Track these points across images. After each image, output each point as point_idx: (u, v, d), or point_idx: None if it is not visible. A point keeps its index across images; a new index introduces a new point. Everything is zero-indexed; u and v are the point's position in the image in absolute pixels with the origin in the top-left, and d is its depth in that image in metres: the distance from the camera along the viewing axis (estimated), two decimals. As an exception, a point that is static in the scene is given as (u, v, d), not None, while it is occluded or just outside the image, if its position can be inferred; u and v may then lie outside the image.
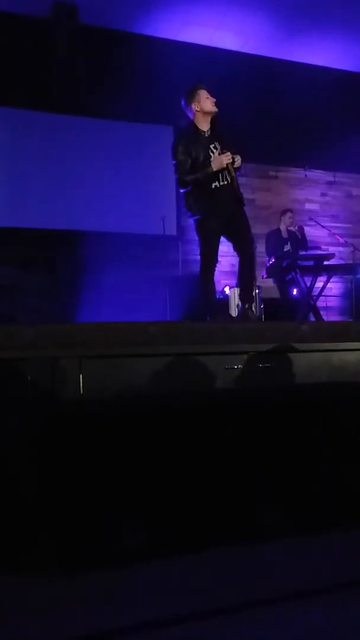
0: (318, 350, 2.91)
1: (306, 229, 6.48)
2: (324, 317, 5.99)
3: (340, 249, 6.99)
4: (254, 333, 2.95)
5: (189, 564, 1.88)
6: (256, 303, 4.15)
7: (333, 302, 7.24)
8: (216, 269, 4.11)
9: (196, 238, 6.97)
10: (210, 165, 3.82)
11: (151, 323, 2.80)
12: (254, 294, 4.23)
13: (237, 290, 5.50)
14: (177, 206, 6.85)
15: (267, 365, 2.77)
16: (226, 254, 7.17)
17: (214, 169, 3.81)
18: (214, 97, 3.95)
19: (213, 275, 4.10)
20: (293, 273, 5.71)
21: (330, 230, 6.62)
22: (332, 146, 7.04)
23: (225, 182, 3.90)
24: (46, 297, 5.88)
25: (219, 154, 3.83)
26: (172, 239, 6.53)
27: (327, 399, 2.48)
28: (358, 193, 8.03)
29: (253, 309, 4.11)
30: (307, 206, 7.39)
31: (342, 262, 6.67)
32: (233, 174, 3.89)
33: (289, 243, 6.30)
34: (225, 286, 6.16)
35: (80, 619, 1.58)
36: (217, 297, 4.15)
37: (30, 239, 6.14)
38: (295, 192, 7.49)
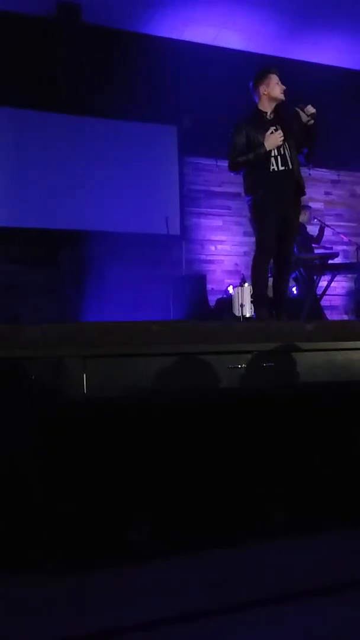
0: (322, 350, 2.90)
1: (309, 227, 6.47)
2: (328, 316, 5.98)
3: (345, 247, 6.97)
4: (257, 332, 2.95)
5: (191, 563, 1.88)
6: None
7: (337, 301, 7.23)
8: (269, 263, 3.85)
9: (199, 237, 6.90)
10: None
11: (155, 322, 2.80)
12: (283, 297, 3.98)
13: (240, 290, 5.51)
14: (180, 205, 6.86)
15: (270, 364, 2.77)
16: (229, 253, 7.24)
17: (267, 148, 3.67)
18: (284, 85, 3.81)
19: (267, 268, 3.85)
20: (297, 272, 5.70)
21: (334, 229, 6.60)
22: (337, 145, 7.03)
23: (285, 168, 3.73)
24: (50, 296, 5.89)
25: (271, 133, 3.69)
26: (175, 238, 6.53)
27: (330, 398, 2.48)
28: (362, 192, 8.03)
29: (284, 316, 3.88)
30: (311, 205, 7.38)
31: (346, 261, 6.66)
32: (295, 159, 3.73)
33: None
34: (228, 285, 6.17)
35: (82, 617, 1.59)
36: (266, 292, 3.88)
37: (34, 239, 6.15)
38: (299, 191, 7.47)
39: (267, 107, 3.83)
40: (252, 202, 3.82)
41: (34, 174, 6.14)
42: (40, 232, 6.15)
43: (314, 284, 5.52)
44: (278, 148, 3.74)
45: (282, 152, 3.75)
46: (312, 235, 6.38)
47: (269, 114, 3.82)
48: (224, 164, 7.10)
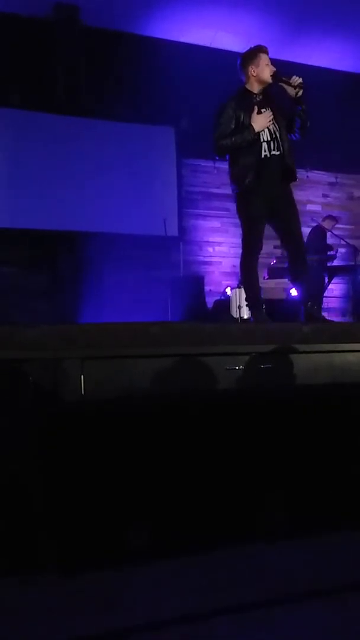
0: (319, 352, 2.90)
1: (306, 230, 6.48)
2: (326, 318, 5.98)
3: (342, 250, 6.99)
4: (255, 334, 2.95)
5: (191, 566, 1.88)
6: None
7: (334, 303, 7.24)
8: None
9: (197, 239, 6.85)
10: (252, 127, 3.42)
11: (152, 324, 2.80)
12: (313, 291, 3.77)
13: (238, 291, 5.51)
14: (178, 207, 6.87)
15: (268, 366, 2.77)
16: (226, 255, 7.24)
17: (256, 130, 3.42)
18: (274, 67, 3.55)
19: (256, 263, 3.59)
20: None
21: (331, 232, 6.61)
22: (334, 147, 7.05)
23: (278, 152, 3.49)
24: (48, 297, 5.88)
25: (259, 114, 3.43)
26: (173, 239, 6.54)
27: (328, 399, 2.48)
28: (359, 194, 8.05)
29: (315, 307, 3.62)
30: (309, 207, 7.39)
31: (343, 263, 6.67)
32: (286, 142, 3.48)
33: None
34: (226, 287, 6.17)
35: (82, 619, 1.58)
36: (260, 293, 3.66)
37: (32, 240, 6.15)
38: (297, 193, 7.43)
39: (255, 88, 3.59)
40: (239, 192, 3.57)
41: (32, 175, 6.14)
42: (38, 233, 6.15)
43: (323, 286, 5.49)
44: (269, 132, 3.50)
45: (274, 136, 3.51)
46: (329, 245, 6.38)
47: (257, 95, 3.58)
48: (222, 165, 7.12)
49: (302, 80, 3.52)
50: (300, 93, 3.52)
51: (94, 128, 6.46)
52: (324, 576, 1.80)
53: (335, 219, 6.59)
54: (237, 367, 2.70)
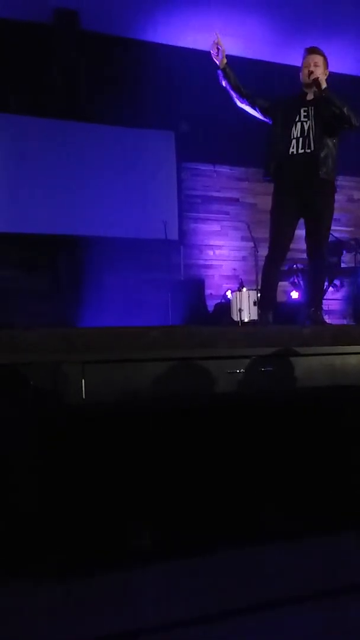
0: (320, 354, 2.90)
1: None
2: (326, 321, 5.96)
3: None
4: (255, 337, 2.95)
5: (192, 567, 1.87)
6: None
7: (335, 306, 7.23)
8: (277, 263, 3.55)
9: (197, 242, 6.85)
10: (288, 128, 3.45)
11: (153, 327, 2.80)
12: (320, 296, 3.72)
13: (239, 295, 5.51)
14: (178, 210, 6.87)
15: (269, 369, 2.76)
16: (227, 258, 7.24)
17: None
18: (317, 67, 3.54)
19: (275, 267, 3.59)
20: (294, 277, 5.71)
21: (332, 234, 6.60)
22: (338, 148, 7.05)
23: (309, 151, 3.49)
24: (48, 301, 5.89)
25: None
26: (174, 243, 6.54)
27: (329, 402, 2.48)
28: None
29: (319, 313, 3.60)
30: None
31: (344, 265, 6.66)
32: (321, 142, 3.45)
33: None
34: (227, 290, 6.17)
35: (83, 622, 1.58)
36: (273, 298, 3.64)
37: (32, 244, 6.16)
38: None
39: (307, 89, 3.63)
40: (273, 191, 3.59)
41: (32, 180, 6.15)
42: (39, 237, 6.15)
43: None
44: (301, 128, 3.51)
45: (305, 134, 3.51)
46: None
47: (308, 94, 3.62)
48: (222, 169, 7.19)
49: (316, 78, 3.53)
50: (319, 91, 3.53)
51: (94, 132, 6.47)
52: (324, 578, 1.79)
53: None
54: (238, 371, 2.70)
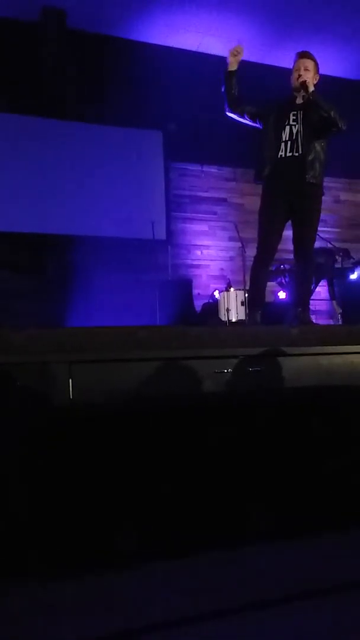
0: (307, 354, 2.92)
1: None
2: (313, 321, 6.00)
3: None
4: (243, 337, 2.96)
5: (181, 568, 1.88)
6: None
7: (321, 306, 7.28)
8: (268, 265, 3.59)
9: (185, 242, 6.85)
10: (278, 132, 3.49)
11: (141, 327, 2.80)
12: (307, 297, 3.77)
13: (226, 295, 5.52)
14: (166, 210, 6.88)
15: (257, 369, 2.77)
16: (215, 258, 7.26)
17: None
18: (307, 71, 3.56)
19: (263, 269, 3.63)
20: (281, 277, 5.74)
21: (319, 235, 6.64)
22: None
23: (297, 154, 3.53)
24: (36, 301, 5.85)
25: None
26: (161, 243, 6.54)
27: (316, 402, 2.49)
28: (346, 198, 8.10)
29: (307, 313, 3.65)
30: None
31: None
32: (310, 146, 3.48)
33: None
34: (214, 290, 6.18)
35: (72, 623, 1.58)
36: (262, 298, 3.68)
37: (20, 243, 6.13)
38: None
39: (295, 91, 3.65)
40: (262, 193, 3.65)
41: (19, 179, 6.12)
42: (26, 236, 6.12)
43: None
44: (290, 132, 3.56)
45: (294, 137, 3.56)
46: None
47: (297, 98, 3.65)
48: (210, 169, 7.20)
49: (304, 81, 3.56)
50: (307, 94, 3.57)
51: (82, 132, 6.45)
52: (313, 577, 1.81)
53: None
54: (225, 370, 2.71)
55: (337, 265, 6.80)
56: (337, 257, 6.28)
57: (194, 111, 6.52)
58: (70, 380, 2.43)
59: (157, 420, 2.15)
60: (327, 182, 8.43)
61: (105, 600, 1.69)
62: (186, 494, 2.06)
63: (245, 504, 2.10)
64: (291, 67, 3.77)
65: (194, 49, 6.90)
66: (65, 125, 6.39)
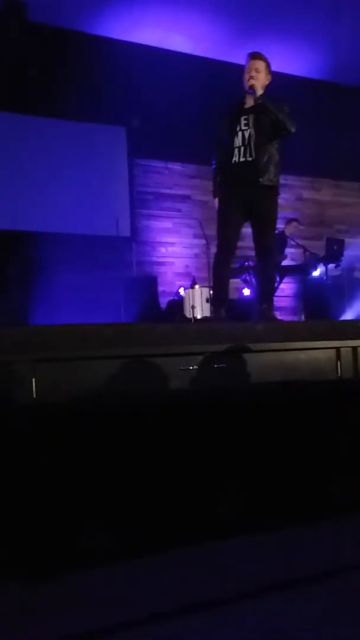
0: (271, 350, 2.95)
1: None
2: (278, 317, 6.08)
3: (292, 250, 7.13)
4: (208, 334, 2.97)
5: (147, 567, 1.87)
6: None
7: (285, 303, 7.37)
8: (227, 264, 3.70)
9: (149, 239, 6.88)
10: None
11: (106, 325, 2.78)
12: (270, 293, 3.85)
13: (191, 292, 5.53)
14: (130, 207, 6.84)
15: (222, 365, 2.79)
16: (179, 255, 7.26)
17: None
18: (257, 72, 3.61)
19: (223, 266, 3.70)
20: (246, 274, 5.79)
21: (282, 232, 6.74)
22: (283, 150, 7.19)
23: (250, 159, 3.59)
24: (-4, 299, 5.73)
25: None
26: (126, 240, 6.50)
27: (280, 397, 2.52)
28: (308, 196, 8.22)
29: (271, 309, 3.73)
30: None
31: (293, 263, 6.81)
32: (262, 150, 3.54)
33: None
34: (179, 287, 6.19)
35: (45, 623, 1.56)
36: (225, 295, 3.75)
37: (-21, 240, 5.99)
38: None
39: (248, 97, 3.68)
40: (218, 195, 3.74)
41: (-21, 174, 5.98)
42: (-14, 233, 5.99)
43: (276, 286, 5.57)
44: (242, 137, 3.61)
45: (247, 142, 3.61)
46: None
47: (247, 102, 3.68)
48: (174, 166, 7.20)
49: (252, 85, 3.62)
50: (255, 98, 3.61)
51: (43, 127, 6.35)
52: (284, 569, 1.83)
53: (297, 221, 6.70)
54: (191, 367, 2.72)
55: (300, 263, 6.92)
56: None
57: (158, 107, 6.50)
58: (34, 380, 2.39)
59: (122, 418, 2.13)
60: (290, 180, 8.56)
61: (78, 599, 1.68)
62: (154, 491, 2.05)
63: (214, 499, 2.11)
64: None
65: (157, 45, 6.87)
66: (26, 119, 6.28)
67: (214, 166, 3.81)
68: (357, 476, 2.40)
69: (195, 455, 2.16)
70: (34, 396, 2.39)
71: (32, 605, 1.67)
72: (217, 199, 3.77)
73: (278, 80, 7.11)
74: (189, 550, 1.95)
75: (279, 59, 7.53)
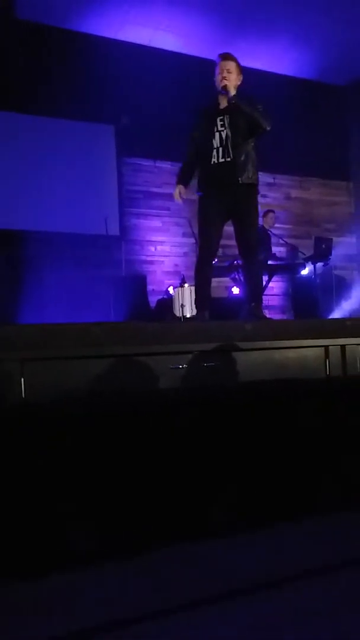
0: (261, 349, 2.96)
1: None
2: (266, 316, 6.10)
3: (281, 249, 7.15)
4: (198, 332, 2.97)
5: (138, 566, 1.88)
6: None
7: (274, 301, 7.40)
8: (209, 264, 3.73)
9: (139, 238, 6.88)
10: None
11: (95, 324, 2.77)
12: (258, 291, 3.87)
13: (181, 290, 5.53)
14: (119, 206, 6.82)
15: (212, 364, 2.79)
16: (169, 254, 7.26)
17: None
18: (229, 73, 3.63)
19: (206, 266, 3.71)
20: (235, 273, 5.80)
21: (271, 231, 6.76)
22: (271, 148, 7.21)
23: (229, 159, 3.61)
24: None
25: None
26: (115, 239, 6.49)
27: (269, 395, 2.53)
28: (297, 195, 8.25)
29: (260, 307, 3.73)
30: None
31: (282, 262, 6.83)
32: (240, 149, 3.57)
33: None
34: (169, 286, 6.19)
35: (29, 624, 1.55)
36: (208, 295, 3.79)
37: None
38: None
39: (221, 98, 3.71)
40: (199, 198, 3.77)
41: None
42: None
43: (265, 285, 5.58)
44: (220, 138, 3.64)
45: (224, 143, 3.63)
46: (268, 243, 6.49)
47: (221, 103, 3.70)
48: (163, 164, 7.19)
49: (224, 86, 3.65)
50: (228, 99, 3.64)
51: (32, 125, 6.31)
52: (271, 568, 1.84)
53: (272, 212, 6.72)
54: (180, 366, 2.72)
55: (288, 262, 6.94)
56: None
57: (147, 106, 6.49)
58: (23, 379, 2.38)
59: (112, 418, 2.13)
60: (279, 179, 8.57)
61: (68, 599, 1.67)
62: (144, 491, 2.05)
63: (198, 500, 2.12)
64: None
65: (145, 43, 6.86)
66: (15, 117, 6.24)
67: (186, 160, 3.84)
68: (346, 473, 2.42)
69: (185, 454, 2.16)
70: (23, 396, 2.37)
71: (22, 605, 1.67)
72: (177, 190, 3.84)
73: (265, 79, 7.17)
74: (180, 549, 1.95)
75: (267, 58, 7.60)
